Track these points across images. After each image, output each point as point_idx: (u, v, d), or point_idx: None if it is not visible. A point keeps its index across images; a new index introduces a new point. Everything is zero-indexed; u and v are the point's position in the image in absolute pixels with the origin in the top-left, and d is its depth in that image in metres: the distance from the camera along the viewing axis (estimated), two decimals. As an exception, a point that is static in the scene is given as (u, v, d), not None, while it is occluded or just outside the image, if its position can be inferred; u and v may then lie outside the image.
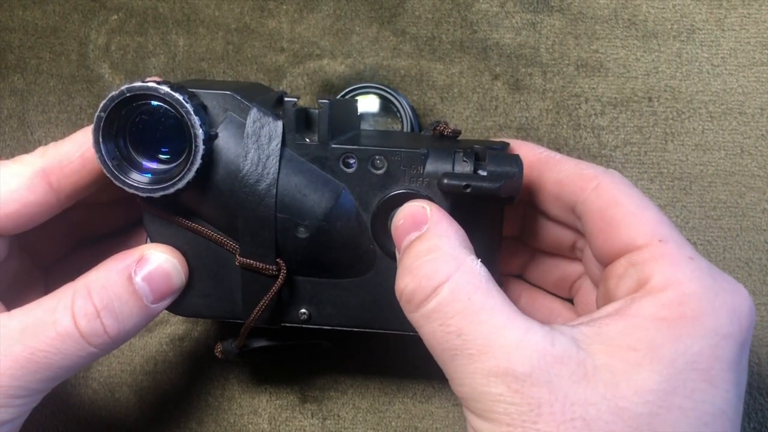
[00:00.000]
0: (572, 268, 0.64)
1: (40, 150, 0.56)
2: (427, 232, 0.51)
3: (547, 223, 0.62)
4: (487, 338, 0.47)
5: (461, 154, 0.55)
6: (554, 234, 0.62)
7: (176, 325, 0.74)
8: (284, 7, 0.72)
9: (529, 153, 0.60)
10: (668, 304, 0.48)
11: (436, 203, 0.55)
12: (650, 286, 0.49)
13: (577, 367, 0.46)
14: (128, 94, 0.51)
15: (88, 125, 0.55)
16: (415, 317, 0.50)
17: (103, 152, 0.52)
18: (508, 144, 0.60)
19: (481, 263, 0.50)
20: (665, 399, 0.45)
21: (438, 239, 0.50)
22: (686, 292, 0.48)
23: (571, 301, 0.65)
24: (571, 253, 0.63)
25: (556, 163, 0.59)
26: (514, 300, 0.53)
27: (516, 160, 0.55)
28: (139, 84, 0.51)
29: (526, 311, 0.50)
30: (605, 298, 0.54)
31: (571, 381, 0.45)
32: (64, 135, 0.57)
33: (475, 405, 0.47)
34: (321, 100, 0.55)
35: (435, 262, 0.49)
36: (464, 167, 0.55)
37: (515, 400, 0.45)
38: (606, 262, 0.55)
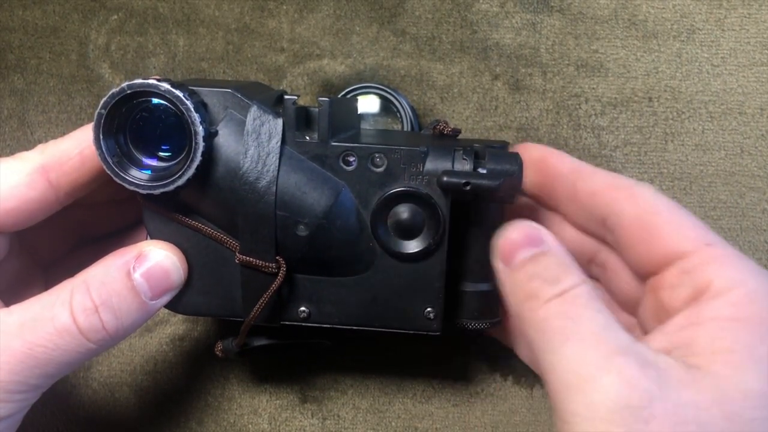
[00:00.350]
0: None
1: (39, 147, 0.56)
2: (552, 250, 0.53)
3: (566, 236, 0.62)
4: (601, 329, 0.48)
5: (461, 152, 0.55)
6: (573, 248, 0.61)
7: (176, 325, 0.74)
8: (284, 7, 0.72)
9: (563, 163, 0.59)
10: (738, 304, 0.48)
11: (435, 201, 0.55)
12: (713, 291, 0.49)
13: (684, 373, 0.46)
14: (129, 91, 0.51)
15: (88, 123, 0.55)
16: (539, 312, 0.51)
17: (104, 149, 0.52)
18: (508, 143, 0.60)
19: (590, 287, 0.52)
20: None
21: (564, 257, 0.52)
22: (751, 290, 0.48)
23: None
24: (585, 270, 0.62)
25: (589, 173, 0.58)
26: None
27: (516, 158, 0.55)
28: (139, 81, 0.51)
29: None
30: (658, 310, 0.53)
31: (681, 384, 0.45)
32: (64, 135, 0.57)
33: (577, 394, 0.47)
34: (321, 98, 0.55)
35: (567, 273, 0.51)
36: (464, 165, 0.55)
37: (626, 392, 0.45)
38: (647, 272, 0.55)
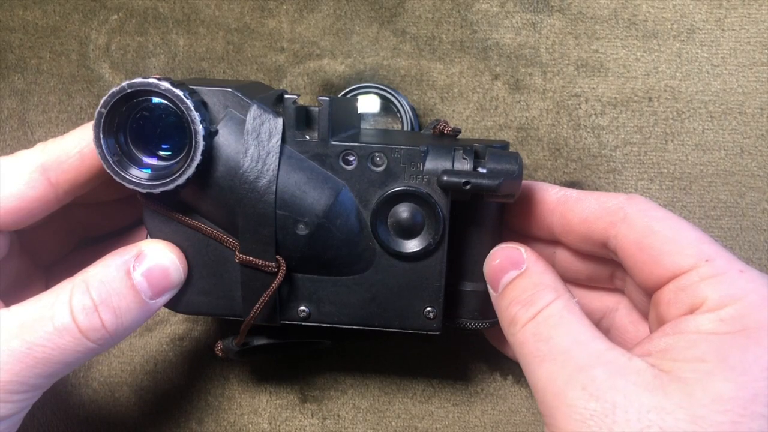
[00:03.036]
0: (601, 302, 0.65)
1: (39, 146, 0.56)
2: (528, 270, 0.56)
3: (580, 261, 0.63)
4: (571, 346, 0.50)
5: (461, 151, 0.55)
6: (588, 269, 0.63)
7: (176, 325, 0.74)
8: (284, 6, 0.72)
9: (546, 195, 0.60)
10: (728, 319, 0.48)
11: (435, 200, 0.55)
12: (706, 307, 0.50)
13: (652, 379, 0.47)
14: (129, 90, 0.51)
15: (88, 123, 0.55)
16: (517, 336, 0.54)
17: (104, 148, 0.52)
18: (508, 143, 0.60)
19: (576, 300, 0.54)
20: (746, 407, 0.45)
21: (540, 276, 0.55)
22: (745, 305, 0.48)
23: None
24: (610, 284, 0.64)
25: (575, 201, 0.59)
26: None
27: (516, 158, 0.55)
28: (139, 80, 0.51)
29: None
30: (658, 324, 0.54)
31: (647, 390, 0.46)
32: (64, 134, 0.57)
33: (553, 410, 0.49)
34: (321, 98, 0.55)
35: (539, 293, 0.54)
36: (464, 165, 0.55)
37: (590, 404, 0.47)
38: (653, 291, 0.55)
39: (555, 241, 0.62)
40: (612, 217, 0.56)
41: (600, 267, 0.62)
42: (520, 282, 0.55)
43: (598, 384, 0.47)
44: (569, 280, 0.64)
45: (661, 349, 0.49)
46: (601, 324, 0.64)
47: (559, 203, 0.59)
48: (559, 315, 0.52)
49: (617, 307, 0.64)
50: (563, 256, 0.63)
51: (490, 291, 0.58)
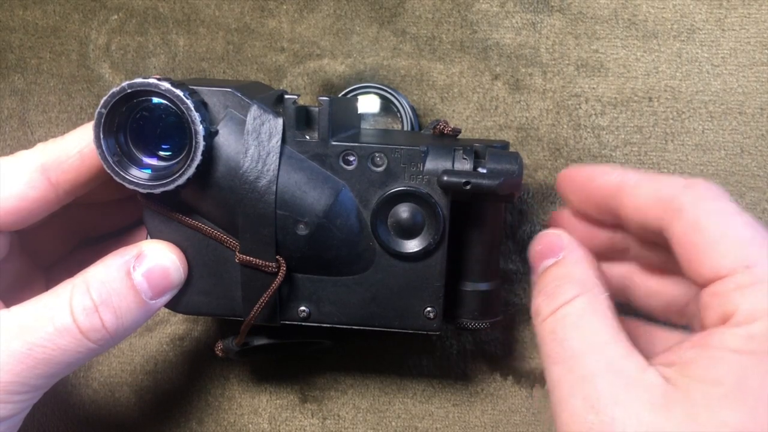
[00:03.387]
0: (680, 289, 0.62)
1: (39, 146, 0.56)
2: (563, 260, 0.55)
3: (645, 247, 0.61)
4: (583, 350, 0.49)
5: (461, 151, 0.55)
6: (657, 257, 0.60)
7: (176, 325, 0.74)
8: (284, 6, 0.72)
9: (605, 180, 0.58)
10: (757, 336, 0.45)
11: (436, 200, 0.55)
12: (736, 319, 0.47)
13: (660, 396, 0.45)
14: (129, 90, 0.52)
15: (88, 123, 0.55)
16: (538, 329, 0.53)
17: (104, 148, 0.52)
18: (508, 143, 0.60)
19: (608, 295, 0.52)
20: None
21: (573, 266, 0.54)
22: None
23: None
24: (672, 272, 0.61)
25: (632, 188, 0.56)
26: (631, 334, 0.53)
27: (516, 157, 0.55)
28: (140, 80, 0.51)
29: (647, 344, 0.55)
30: (700, 326, 0.52)
31: (649, 407, 0.45)
32: (64, 134, 0.57)
33: (557, 415, 0.48)
34: (321, 98, 0.55)
35: (565, 286, 0.53)
36: (464, 165, 0.55)
37: (590, 416, 0.46)
38: (698, 286, 0.53)
39: (618, 229, 0.60)
40: (666, 206, 0.53)
41: (666, 255, 0.58)
42: (551, 271, 0.55)
43: (600, 396, 0.46)
44: (638, 265, 0.63)
45: (685, 362, 0.47)
46: (686, 311, 0.61)
47: (618, 189, 0.57)
48: (579, 314, 0.51)
49: (691, 299, 0.61)
50: (630, 242, 0.61)
51: (532, 278, 0.58)
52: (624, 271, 0.63)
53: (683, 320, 0.61)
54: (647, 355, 0.53)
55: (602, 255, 0.62)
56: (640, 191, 0.55)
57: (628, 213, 0.56)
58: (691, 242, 0.51)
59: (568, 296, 0.52)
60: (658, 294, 0.62)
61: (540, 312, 0.53)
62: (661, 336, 0.62)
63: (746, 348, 0.45)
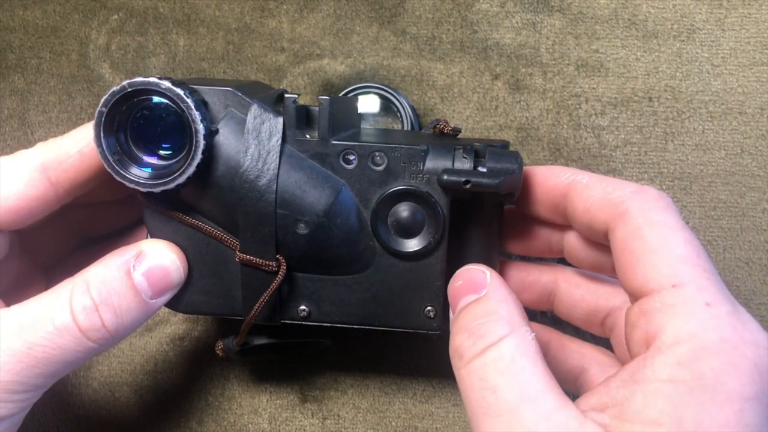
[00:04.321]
0: (604, 300, 0.61)
1: (39, 145, 0.56)
2: (486, 296, 0.52)
3: (589, 248, 0.60)
4: (519, 402, 0.46)
5: (461, 150, 0.55)
6: (595, 259, 0.60)
7: (176, 325, 0.74)
8: (284, 6, 0.72)
9: (557, 179, 0.57)
10: (684, 362, 0.44)
11: (436, 199, 0.55)
12: (661, 342, 0.45)
13: None
14: (129, 89, 0.52)
15: (88, 122, 0.55)
16: (462, 372, 0.50)
17: (104, 147, 0.52)
18: (508, 142, 0.60)
19: (534, 335, 0.50)
20: None
21: (497, 304, 0.51)
22: (701, 346, 0.44)
23: (607, 341, 0.63)
24: (613, 275, 0.59)
25: (583, 188, 0.55)
26: (543, 346, 0.53)
27: (515, 157, 0.55)
28: (140, 79, 0.51)
29: (557, 358, 0.54)
30: (628, 342, 0.50)
31: None
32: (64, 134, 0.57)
33: None
34: (321, 97, 0.55)
35: (491, 324, 0.50)
36: (464, 164, 0.55)
37: None
38: (632, 302, 0.51)
39: (566, 226, 0.60)
40: (613, 209, 0.52)
41: (608, 258, 0.57)
42: (474, 308, 0.52)
43: None
44: (566, 273, 0.63)
45: (619, 402, 0.45)
46: (606, 323, 0.61)
47: (569, 187, 0.56)
48: (510, 358, 0.48)
49: (613, 309, 0.61)
50: (573, 241, 0.60)
51: (450, 315, 0.55)
52: (551, 277, 0.63)
53: (602, 331, 0.62)
54: (567, 375, 0.54)
55: (537, 252, 0.63)
56: (590, 192, 0.55)
57: (577, 213, 0.55)
58: (629, 249, 0.50)
59: (494, 336, 0.49)
60: (582, 302, 0.62)
61: (463, 353, 0.50)
62: (576, 351, 0.63)
63: (678, 377, 0.44)
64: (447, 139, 0.60)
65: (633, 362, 0.46)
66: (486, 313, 0.51)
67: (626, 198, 0.52)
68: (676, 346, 0.45)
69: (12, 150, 0.56)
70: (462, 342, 0.50)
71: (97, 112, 0.52)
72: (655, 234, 0.50)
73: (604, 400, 0.46)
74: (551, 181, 0.58)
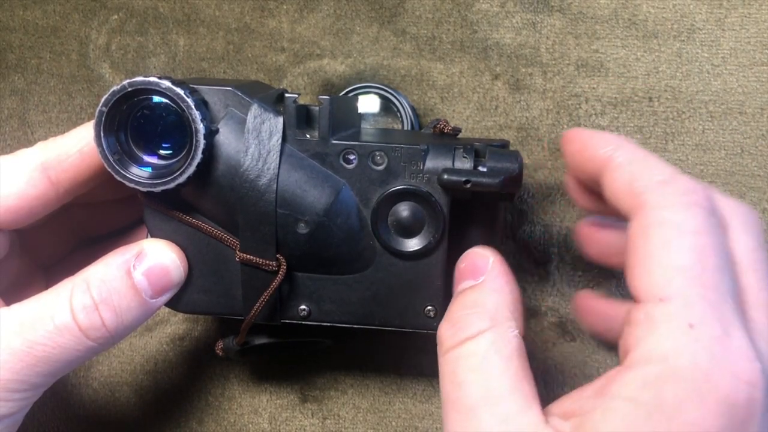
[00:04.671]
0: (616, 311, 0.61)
1: (39, 145, 0.56)
2: (481, 285, 0.52)
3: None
4: (480, 402, 0.46)
5: (461, 150, 0.55)
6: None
7: (177, 325, 0.74)
8: (284, 6, 0.72)
9: (594, 152, 0.54)
10: (650, 383, 0.43)
11: (436, 199, 0.55)
12: (633, 358, 0.44)
13: None
14: (129, 89, 0.52)
15: (88, 122, 0.55)
16: (440, 361, 0.50)
17: (105, 146, 0.52)
18: (508, 142, 0.60)
19: (518, 333, 0.49)
20: None
21: (488, 295, 0.51)
22: (671, 369, 0.43)
23: None
24: None
25: (614, 168, 0.52)
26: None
27: (516, 156, 0.55)
28: (140, 79, 0.51)
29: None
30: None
31: None
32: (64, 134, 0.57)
33: None
34: (321, 96, 0.55)
35: (473, 316, 0.50)
36: (464, 163, 0.55)
37: None
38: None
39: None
40: (634, 200, 0.49)
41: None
42: (466, 296, 0.52)
43: None
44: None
45: (584, 413, 0.44)
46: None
47: (605, 165, 0.53)
48: (483, 355, 0.47)
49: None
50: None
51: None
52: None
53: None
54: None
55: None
56: (620, 174, 0.51)
57: (606, 193, 0.52)
58: (633, 248, 0.48)
59: (473, 330, 0.49)
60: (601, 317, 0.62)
61: (443, 342, 0.50)
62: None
63: (640, 398, 0.43)
64: (447, 138, 0.60)
65: (608, 373, 0.46)
66: (474, 304, 0.51)
67: (648, 188, 0.49)
68: (646, 365, 0.44)
69: (12, 150, 0.56)
70: (444, 331, 0.51)
71: (97, 111, 0.52)
72: (660, 235, 0.47)
73: (573, 408, 0.46)
74: (588, 152, 0.54)
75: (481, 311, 0.50)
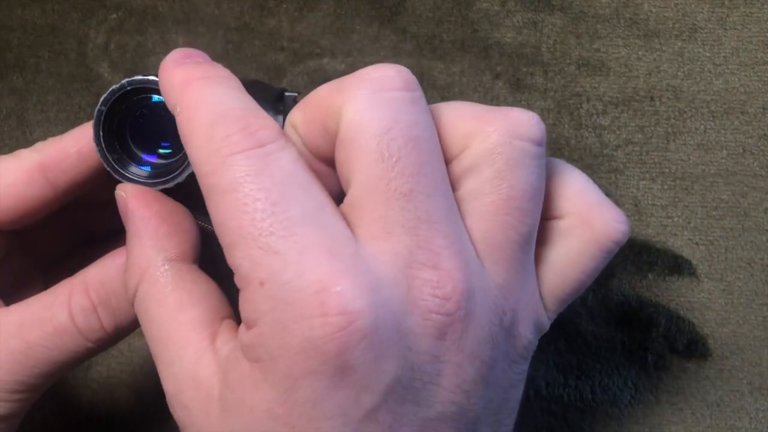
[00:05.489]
0: None
1: (38, 145, 0.56)
2: (127, 232, 0.50)
3: None
4: (156, 348, 0.47)
5: None
6: None
7: (175, 325, 0.74)
8: (284, 5, 0.72)
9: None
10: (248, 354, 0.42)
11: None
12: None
13: (206, 400, 0.44)
14: (129, 88, 0.51)
15: (86, 122, 0.55)
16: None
17: (103, 146, 0.52)
18: None
19: (168, 268, 0.48)
20: None
21: (131, 241, 0.50)
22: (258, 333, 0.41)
23: None
24: None
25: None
26: None
27: None
28: (140, 77, 0.51)
29: None
30: None
31: (205, 414, 0.44)
32: (62, 133, 0.56)
33: None
34: None
35: (126, 273, 0.49)
36: None
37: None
38: None
39: None
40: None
41: None
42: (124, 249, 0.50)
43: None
44: None
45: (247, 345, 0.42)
46: None
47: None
48: (144, 309, 0.47)
49: None
50: None
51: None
52: None
53: None
54: None
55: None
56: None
57: None
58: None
59: (129, 294, 0.49)
60: None
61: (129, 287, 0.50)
62: None
63: (221, 368, 0.44)
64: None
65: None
66: (127, 253, 0.50)
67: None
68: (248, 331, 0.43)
69: (11, 149, 0.56)
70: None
71: (96, 110, 0.52)
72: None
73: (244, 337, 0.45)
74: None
75: (129, 264, 0.49)
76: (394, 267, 0.40)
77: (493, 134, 0.43)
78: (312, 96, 0.46)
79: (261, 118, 0.44)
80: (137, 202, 0.50)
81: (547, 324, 0.48)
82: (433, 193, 0.42)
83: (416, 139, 0.41)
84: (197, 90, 0.45)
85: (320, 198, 0.42)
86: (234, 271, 0.43)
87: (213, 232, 0.57)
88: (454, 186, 0.45)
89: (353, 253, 0.40)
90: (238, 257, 0.42)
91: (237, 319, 0.47)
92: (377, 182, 0.41)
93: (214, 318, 0.48)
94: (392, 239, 0.41)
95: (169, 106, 0.46)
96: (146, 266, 0.48)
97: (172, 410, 0.46)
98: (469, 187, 0.44)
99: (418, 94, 0.43)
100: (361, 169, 0.41)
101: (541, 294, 0.48)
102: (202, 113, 0.43)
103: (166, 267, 0.48)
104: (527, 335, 0.46)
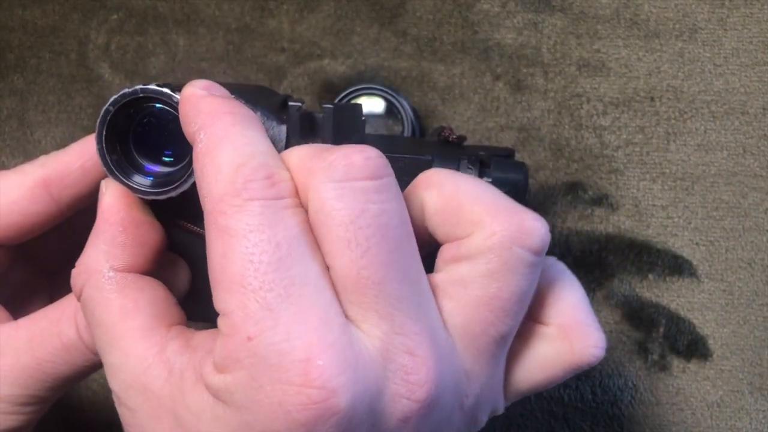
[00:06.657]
0: None
1: (40, 159, 0.56)
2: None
3: None
4: (105, 347, 0.47)
5: (466, 161, 0.55)
6: None
7: (177, 327, 0.74)
8: (285, 7, 0.72)
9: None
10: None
11: None
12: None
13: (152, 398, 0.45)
14: (141, 95, 0.51)
15: (87, 127, 0.55)
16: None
17: (104, 145, 0.52)
18: (513, 151, 0.60)
19: (113, 276, 0.48)
20: None
21: (90, 239, 0.50)
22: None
23: None
24: None
25: None
26: None
27: (521, 167, 0.55)
28: (155, 87, 0.51)
29: None
30: None
31: (155, 420, 0.44)
32: (63, 135, 0.57)
33: None
34: (325, 105, 0.55)
35: (77, 276, 0.49)
36: (469, 174, 0.55)
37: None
38: None
39: None
40: None
41: None
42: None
43: (119, 395, 0.46)
44: None
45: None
46: None
47: None
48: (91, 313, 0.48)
49: None
50: None
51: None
52: None
53: None
54: None
55: None
56: None
57: None
58: None
59: (78, 291, 0.49)
60: None
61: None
62: None
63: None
64: (451, 147, 0.60)
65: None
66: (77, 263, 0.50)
67: None
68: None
69: (12, 150, 0.56)
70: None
71: (103, 109, 0.51)
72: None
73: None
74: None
75: (78, 268, 0.49)
76: (374, 347, 0.41)
77: (497, 234, 0.44)
78: (287, 158, 0.46)
79: (283, 170, 0.44)
80: (107, 204, 0.51)
81: (502, 409, 0.50)
82: (404, 278, 0.42)
83: (385, 227, 0.41)
84: (226, 125, 0.45)
85: (321, 263, 0.42)
86: (221, 314, 0.43)
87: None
88: (446, 263, 0.46)
89: (342, 323, 0.41)
90: (232, 304, 0.42)
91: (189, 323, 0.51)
92: (349, 269, 0.41)
93: (161, 325, 0.48)
94: (369, 322, 0.41)
95: (189, 129, 0.46)
96: (93, 270, 0.48)
97: (117, 407, 0.46)
98: (461, 272, 0.45)
99: (386, 180, 0.43)
100: (332, 254, 0.42)
101: (504, 384, 0.49)
102: (228, 151, 0.43)
103: (111, 275, 0.48)
104: (483, 418, 0.48)
